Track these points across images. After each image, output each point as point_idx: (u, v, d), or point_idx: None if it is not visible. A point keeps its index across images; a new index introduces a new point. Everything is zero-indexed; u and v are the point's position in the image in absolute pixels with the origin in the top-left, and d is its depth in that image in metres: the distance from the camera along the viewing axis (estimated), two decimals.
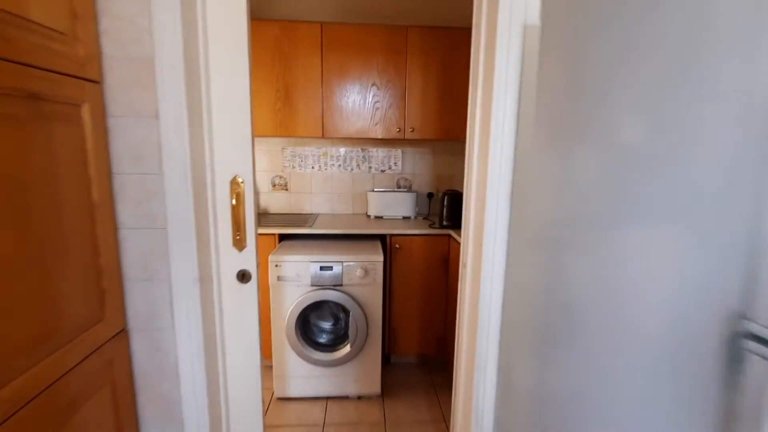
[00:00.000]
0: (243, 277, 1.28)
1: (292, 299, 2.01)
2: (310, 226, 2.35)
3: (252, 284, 1.29)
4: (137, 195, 1.09)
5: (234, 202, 1.23)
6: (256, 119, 2.40)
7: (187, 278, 1.14)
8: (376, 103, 2.45)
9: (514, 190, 1.18)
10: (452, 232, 2.30)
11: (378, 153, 2.81)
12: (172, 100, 1.06)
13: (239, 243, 1.26)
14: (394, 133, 2.48)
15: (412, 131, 2.48)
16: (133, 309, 1.14)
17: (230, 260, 1.27)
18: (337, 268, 2.00)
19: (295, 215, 2.75)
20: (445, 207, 2.37)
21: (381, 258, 2.03)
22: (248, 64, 1.17)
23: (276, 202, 2.82)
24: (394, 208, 2.67)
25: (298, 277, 2.00)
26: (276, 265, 1.99)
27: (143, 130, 1.07)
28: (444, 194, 2.38)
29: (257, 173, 2.71)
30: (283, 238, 2.36)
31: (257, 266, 1.29)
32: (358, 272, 2.00)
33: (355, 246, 2.21)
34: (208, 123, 1.18)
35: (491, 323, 1.27)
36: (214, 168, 1.21)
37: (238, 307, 1.30)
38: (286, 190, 2.81)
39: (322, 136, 2.46)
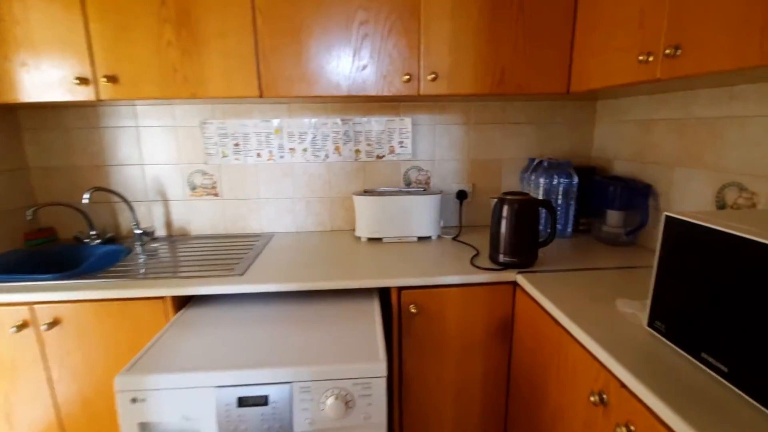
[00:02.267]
0: None
1: None
2: (240, 274, 1.18)
3: None
4: None
5: None
6: (117, 61, 1.22)
7: None
8: (362, 25, 1.24)
9: None
10: (519, 277, 1.15)
11: (371, 125, 1.62)
12: None
13: None
14: (398, 86, 1.29)
15: (433, 79, 1.28)
16: None
17: None
18: (278, 396, 0.86)
19: (231, 240, 1.58)
20: (505, 224, 1.20)
21: (381, 367, 0.88)
22: None
23: (201, 217, 1.65)
24: (401, 222, 1.50)
25: (188, 423, 0.85)
26: (133, 400, 0.84)
27: None
28: (502, 202, 1.20)
29: (159, 167, 1.55)
30: (188, 300, 1.20)
31: None
32: (329, 405, 0.85)
33: (327, 322, 1.06)
34: None
35: None
36: None
37: None
38: (216, 195, 1.64)
39: (261, 96, 1.27)
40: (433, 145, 1.65)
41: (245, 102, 1.53)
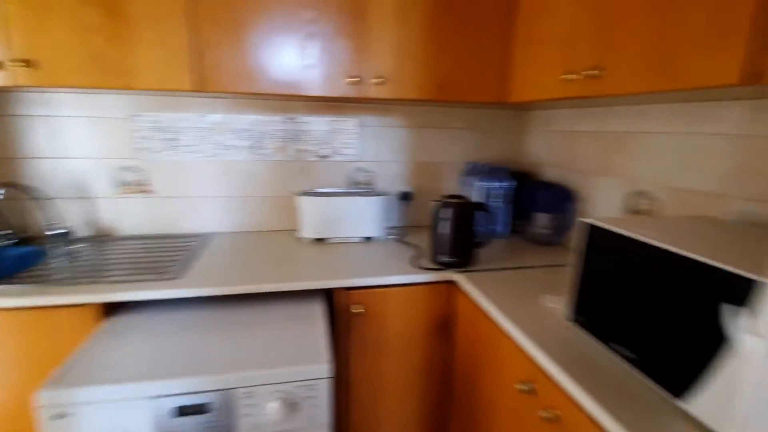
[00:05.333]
0: None
1: None
2: (175, 278, 1.13)
3: None
4: None
5: None
6: (36, 44, 1.10)
7: None
8: (309, 24, 1.24)
9: None
10: (458, 276, 1.22)
11: (317, 125, 1.61)
12: None
13: None
14: (343, 87, 1.29)
15: (380, 83, 1.31)
16: None
17: None
18: (219, 403, 0.84)
19: (166, 240, 1.50)
20: (445, 226, 1.26)
21: (325, 368, 0.89)
22: None
23: (131, 216, 1.54)
24: (346, 223, 1.51)
25: None
26: (58, 416, 0.78)
27: None
28: (441, 204, 1.26)
29: (78, 161, 1.42)
30: (118, 307, 1.12)
31: None
32: (273, 409, 0.85)
33: (270, 326, 1.05)
34: None
35: None
36: None
37: None
38: (147, 191, 1.54)
39: (200, 90, 1.22)
40: (378, 146, 1.68)
41: (183, 95, 1.45)
